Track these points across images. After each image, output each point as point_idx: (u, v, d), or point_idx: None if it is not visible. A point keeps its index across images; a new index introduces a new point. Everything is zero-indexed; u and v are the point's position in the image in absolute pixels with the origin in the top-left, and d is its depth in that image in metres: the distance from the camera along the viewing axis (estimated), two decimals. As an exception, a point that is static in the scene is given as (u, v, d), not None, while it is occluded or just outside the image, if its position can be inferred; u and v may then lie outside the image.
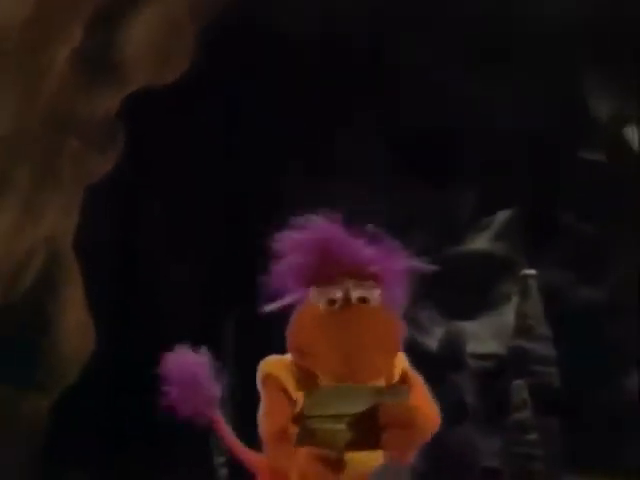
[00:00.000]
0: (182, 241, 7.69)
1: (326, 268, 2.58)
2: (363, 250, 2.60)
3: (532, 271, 13.14)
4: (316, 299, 2.58)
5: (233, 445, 3.17)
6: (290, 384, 2.61)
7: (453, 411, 13.44)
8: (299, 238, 2.61)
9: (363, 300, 2.57)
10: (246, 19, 5.55)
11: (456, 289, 13.73)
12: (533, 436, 12.40)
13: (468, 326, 13.74)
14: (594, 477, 11.27)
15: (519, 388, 12.52)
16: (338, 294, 2.54)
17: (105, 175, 4.93)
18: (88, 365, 5.91)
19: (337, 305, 2.54)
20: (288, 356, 2.72)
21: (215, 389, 3.08)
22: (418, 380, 2.74)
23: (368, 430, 2.40)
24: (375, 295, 2.59)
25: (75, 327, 5.25)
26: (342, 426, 2.42)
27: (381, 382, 2.64)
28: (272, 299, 2.63)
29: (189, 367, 2.98)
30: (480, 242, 13.12)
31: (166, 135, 5.63)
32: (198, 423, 3.05)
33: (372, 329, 2.54)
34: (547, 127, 9.48)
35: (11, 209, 4.14)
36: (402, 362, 2.74)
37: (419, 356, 11.05)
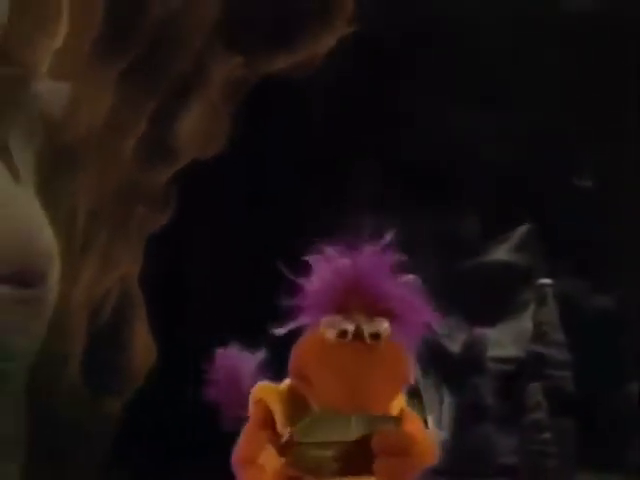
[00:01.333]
0: (222, 275, 8.88)
1: (346, 297, 2.41)
2: (391, 290, 2.41)
3: (548, 280, 13.83)
4: (326, 328, 2.39)
5: None
6: (279, 414, 2.46)
7: (474, 411, 12.71)
8: (337, 266, 2.43)
9: (375, 336, 2.40)
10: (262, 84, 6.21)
11: (478, 297, 14.47)
12: (547, 435, 13.08)
13: (489, 331, 14.59)
14: (606, 475, 11.96)
15: (534, 390, 13.41)
16: (351, 327, 2.40)
17: (161, 226, 5.88)
18: (151, 374, 6.94)
19: (348, 338, 2.38)
20: (283, 385, 2.55)
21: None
22: (415, 417, 2.53)
23: (358, 458, 2.29)
24: (386, 329, 2.40)
25: (142, 346, 6.18)
26: (329, 453, 2.31)
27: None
28: (286, 320, 2.46)
29: (236, 365, 2.70)
30: (500, 253, 13.69)
31: (208, 193, 6.54)
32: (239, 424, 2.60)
33: (381, 367, 2.38)
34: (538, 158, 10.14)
35: (93, 263, 5.10)
36: (401, 401, 2.50)
37: (443, 360, 11.99)
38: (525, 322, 13.45)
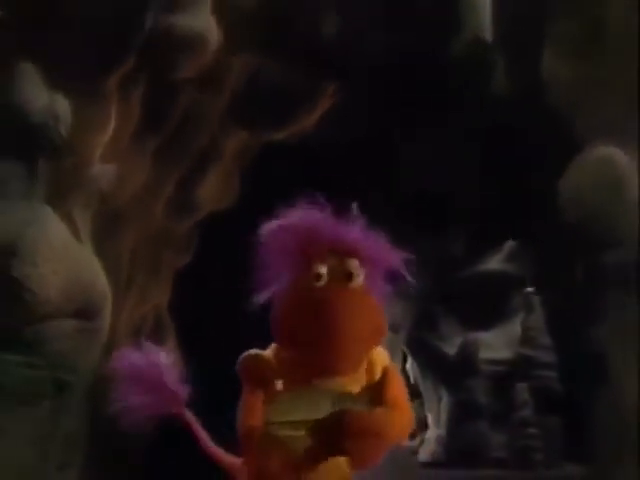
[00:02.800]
0: (235, 304, 10.32)
1: (312, 248, 2.54)
2: (349, 231, 2.58)
3: (532, 289, 14.86)
4: (302, 277, 2.53)
5: (207, 447, 2.94)
6: (270, 378, 2.59)
7: (468, 409, 13.73)
8: (284, 223, 2.58)
9: (349, 276, 2.53)
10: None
11: (473, 303, 15.55)
12: (534, 430, 13.08)
13: (482, 336, 15.75)
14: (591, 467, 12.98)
15: (522, 389, 13.19)
16: (323, 269, 2.50)
17: (186, 264, 7.39)
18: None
19: (322, 281, 2.50)
20: (269, 350, 2.69)
21: (180, 388, 2.83)
22: (397, 378, 2.67)
23: (330, 437, 2.35)
24: (360, 272, 2.55)
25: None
26: (301, 432, 2.38)
27: (359, 377, 2.61)
28: (262, 289, 2.61)
29: (149, 364, 2.80)
30: (493, 263, 14.86)
31: (223, 238, 7.86)
32: (173, 424, 2.86)
33: (359, 306, 2.49)
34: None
35: (134, 297, 6.59)
36: (385, 359, 2.69)
37: (441, 362, 13.65)
38: (516, 327, 13.82)
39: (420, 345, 15.03)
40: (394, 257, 2.56)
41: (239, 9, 5.65)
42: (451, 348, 14.25)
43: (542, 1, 5.37)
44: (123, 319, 6.24)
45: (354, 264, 2.51)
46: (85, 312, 5.67)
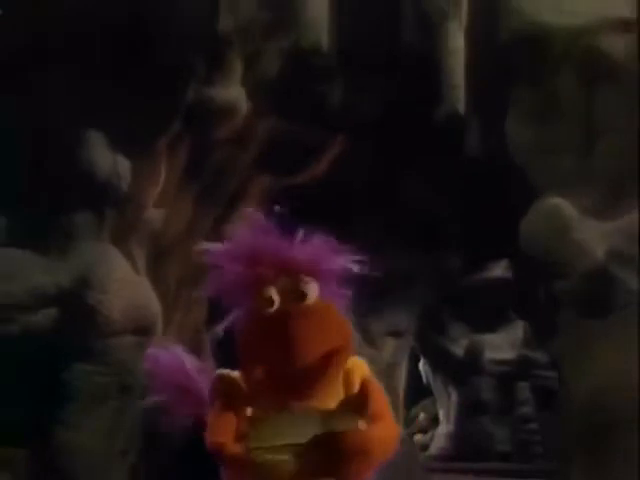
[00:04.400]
0: None
1: (258, 272, 2.46)
2: (294, 248, 2.48)
3: None
4: (256, 303, 2.45)
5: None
6: (240, 401, 2.49)
7: (474, 406, 15.15)
8: (226, 248, 2.52)
9: (302, 296, 2.43)
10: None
11: (479, 308, 16.67)
12: (534, 426, 14.43)
13: (488, 338, 15.38)
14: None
15: (523, 388, 14.75)
16: (273, 293, 2.42)
17: None
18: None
19: (275, 305, 2.41)
20: (237, 373, 2.60)
21: (205, 392, 2.75)
22: (378, 390, 2.57)
23: (317, 459, 2.25)
24: (313, 288, 2.45)
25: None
26: (286, 457, 2.27)
27: (336, 391, 2.49)
28: (220, 318, 2.58)
29: (179, 365, 2.77)
30: (498, 271, 15.96)
31: None
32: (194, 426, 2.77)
33: (315, 336, 2.38)
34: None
35: (179, 314, 8.04)
36: (363, 370, 2.60)
37: (450, 362, 15.41)
38: (518, 330, 15.10)
39: (431, 347, 16.23)
40: (342, 260, 2.50)
41: (262, 83, 7.10)
42: (459, 349, 15.41)
43: (506, 74, 6.77)
44: (170, 333, 7.68)
45: (304, 281, 2.44)
46: (141, 329, 6.78)
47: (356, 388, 2.53)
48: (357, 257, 2.51)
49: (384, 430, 2.43)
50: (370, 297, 8.46)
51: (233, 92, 7.15)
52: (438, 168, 7.03)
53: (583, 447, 6.48)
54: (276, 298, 2.44)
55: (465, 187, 7.05)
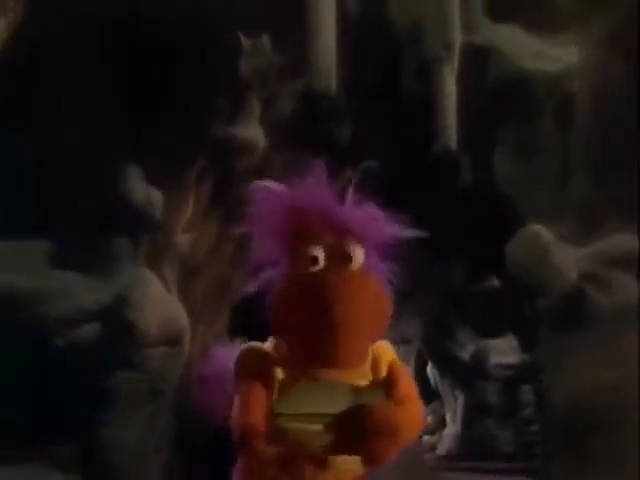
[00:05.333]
0: None
1: (305, 227, 2.36)
2: (345, 207, 2.39)
3: None
4: (297, 261, 2.34)
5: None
6: (271, 372, 2.38)
7: (479, 409, 15.60)
8: (279, 193, 2.39)
9: (347, 258, 2.34)
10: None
11: (485, 314, 17.21)
12: (536, 428, 14.01)
13: (494, 343, 15.62)
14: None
15: (526, 391, 14.78)
16: (320, 252, 2.32)
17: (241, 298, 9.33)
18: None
19: (319, 265, 2.31)
20: (268, 343, 2.51)
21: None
22: (406, 373, 2.51)
23: (348, 433, 2.18)
24: (359, 253, 2.35)
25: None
26: (319, 427, 2.20)
27: (364, 372, 2.40)
28: (255, 275, 2.41)
29: (225, 364, 2.62)
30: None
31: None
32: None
33: (358, 303, 2.26)
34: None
35: (203, 325, 8.88)
36: (390, 354, 2.51)
37: (457, 366, 16.32)
38: None
39: (439, 352, 16.83)
40: (392, 232, 2.39)
41: (278, 122, 8.07)
42: (466, 354, 15.79)
43: (494, 115, 7.74)
44: (197, 342, 8.62)
45: (352, 244, 2.35)
46: (172, 340, 7.54)
47: (384, 371, 2.48)
48: (407, 227, 2.39)
49: (411, 411, 2.39)
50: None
51: (252, 130, 8.01)
52: (435, 197, 8.00)
53: (562, 447, 7.23)
54: (321, 258, 2.32)
55: (458, 214, 8.01)
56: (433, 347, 16.48)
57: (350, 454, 2.32)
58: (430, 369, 17.68)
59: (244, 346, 2.57)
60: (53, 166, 7.36)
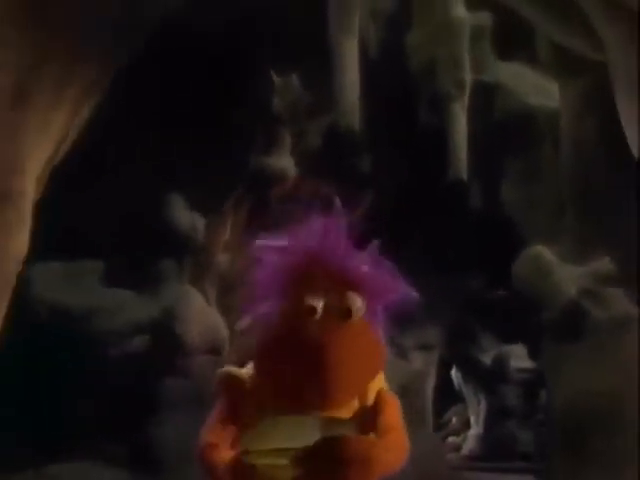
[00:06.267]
0: None
1: (309, 278, 2.26)
2: (354, 262, 2.29)
3: None
4: (294, 308, 2.25)
5: None
6: (242, 402, 2.31)
7: (501, 412, 16.20)
8: (282, 244, 2.32)
9: (347, 314, 2.24)
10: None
11: (505, 320, 17.85)
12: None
13: (514, 348, 15.94)
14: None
15: (544, 394, 16.93)
16: (318, 304, 2.22)
17: None
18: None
19: (317, 316, 2.22)
20: (245, 370, 2.42)
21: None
22: (393, 403, 2.40)
23: (320, 465, 2.11)
24: (359, 306, 2.26)
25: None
26: (284, 461, 2.14)
27: (349, 407, 2.32)
28: (247, 311, 2.36)
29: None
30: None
31: None
32: None
33: (352, 358, 2.20)
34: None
35: (236, 335, 9.93)
36: (380, 382, 2.42)
37: (479, 371, 17.21)
38: None
39: (463, 357, 16.75)
40: (401, 290, 2.32)
41: (307, 153, 9.04)
42: (488, 359, 16.22)
43: (500, 147, 8.68)
44: (233, 351, 9.55)
45: (356, 300, 2.26)
46: (214, 349, 8.33)
47: (371, 400, 2.38)
48: (412, 291, 2.34)
49: (391, 442, 2.29)
50: (404, 317, 10.21)
51: (284, 161, 8.83)
52: (447, 220, 8.97)
53: (562, 447, 7.82)
54: (320, 308, 2.23)
55: (468, 235, 8.97)
56: (457, 352, 17.21)
57: None
58: (454, 373, 18.39)
59: (221, 371, 2.44)
60: (109, 196, 8.36)
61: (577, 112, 7.30)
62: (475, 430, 17.47)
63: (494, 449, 15.82)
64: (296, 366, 2.21)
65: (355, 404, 2.35)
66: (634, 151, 4.95)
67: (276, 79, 8.69)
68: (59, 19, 3.84)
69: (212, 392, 2.44)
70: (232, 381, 2.36)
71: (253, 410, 2.30)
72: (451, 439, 18.40)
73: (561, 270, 7.94)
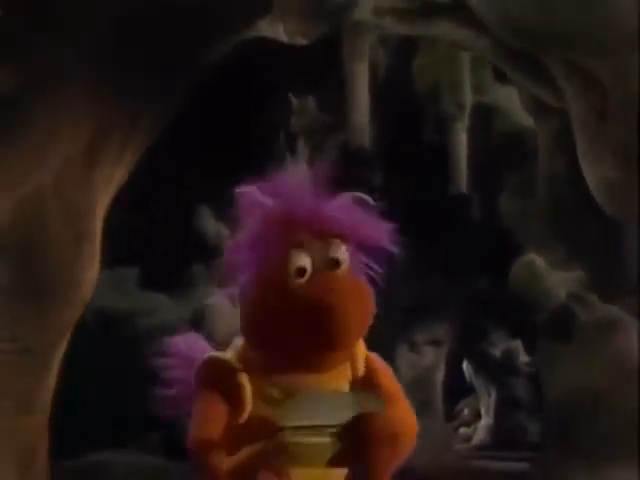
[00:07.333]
0: None
1: (289, 231, 2.21)
2: (331, 207, 2.25)
3: None
4: (281, 270, 2.17)
5: None
6: (235, 385, 2.27)
7: (510, 404, 16.18)
8: (257, 206, 2.28)
9: (335, 264, 2.20)
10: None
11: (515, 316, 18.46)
12: None
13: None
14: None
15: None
16: (307, 262, 2.18)
17: None
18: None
19: (306, 276, 2.18)
20: (229, 351, 2.42)
21: None
22: (385, 368, 2.41)
23: (351, 443, 2.16)
24: (345, 255, 2.22)
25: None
26: (327, 439, 2.17)
27: (344, 371, 2.34)
28: (227, 284, 2.34)
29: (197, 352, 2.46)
30: None
31: None
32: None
33: (351, 308, 2.15)
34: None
35: None
36: (363, 347, 2.41)
37: (489, 363, 18.04)
38: None
39: (474, 351, 16.55)
40: (382, 233, 2.27)
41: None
42: (498, 352, 16.15)
43: (498, 163, 9.62)
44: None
45: (340, 249, 2.21)
46: None
47: (362, 368, 2.37)
48: (396, 236, 2.26)
49: (407, 413, 2.29)
50: (415, 313, 11.10)
51: None
52: (449, 230, 9.96)
53: (558, 437, 8.55)
54: (308, 266, 2.16)
55: (469, 244, 9.95)
56: (468, 346, 17.91)
57: (353, 464, 2.23)
58: (465, 365, 19.11)
59: (205, 356, 2.44)
60: (146, 211, 9.32)
61: (550, 151, 8.20)
62: (485, 421, 17.96)
63: (504, 439, 16.00)
64: (297, 326, 2.16)
65: (348, 372, 2.35)
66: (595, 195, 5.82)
67: (294, 100, 9.59)
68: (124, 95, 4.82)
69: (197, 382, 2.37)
70: (219, 364, 2.34)
71: (257, 387, 2.23)
72: (462, 430, 18.93)
73: (551, 276, 8.81)
